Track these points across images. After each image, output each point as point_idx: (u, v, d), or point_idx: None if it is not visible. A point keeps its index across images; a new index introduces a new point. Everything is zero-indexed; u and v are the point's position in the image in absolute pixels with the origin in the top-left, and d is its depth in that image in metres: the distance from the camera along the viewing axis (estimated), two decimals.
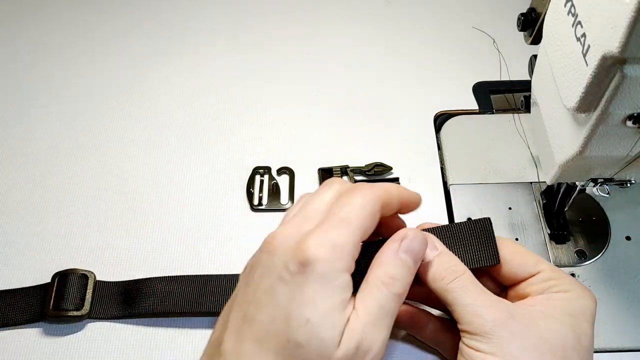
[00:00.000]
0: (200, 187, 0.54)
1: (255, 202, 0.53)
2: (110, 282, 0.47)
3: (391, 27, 0.68)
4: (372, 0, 0.71)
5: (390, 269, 0.34)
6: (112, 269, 0.48)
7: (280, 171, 0.55)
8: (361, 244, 0.34)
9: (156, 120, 0.59)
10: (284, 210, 0.52)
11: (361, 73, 0.63)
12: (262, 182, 0.54)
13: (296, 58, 0.65)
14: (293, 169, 0.55)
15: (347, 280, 0.32)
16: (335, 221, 0.34)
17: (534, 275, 0.37)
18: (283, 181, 0.54)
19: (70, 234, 0.51)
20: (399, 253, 0.34)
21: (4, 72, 0.63)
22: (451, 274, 0.35)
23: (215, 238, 0.50)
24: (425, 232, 0.37)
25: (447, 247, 0.38)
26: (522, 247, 0.39)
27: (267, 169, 0.55)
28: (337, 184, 0.37)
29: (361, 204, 0.34)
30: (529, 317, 0.34)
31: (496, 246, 0.38)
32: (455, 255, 0.37)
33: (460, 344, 0.35)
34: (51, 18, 0.69)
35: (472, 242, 0.38)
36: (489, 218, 0.38)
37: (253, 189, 0.53)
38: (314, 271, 0.32)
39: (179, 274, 0.47)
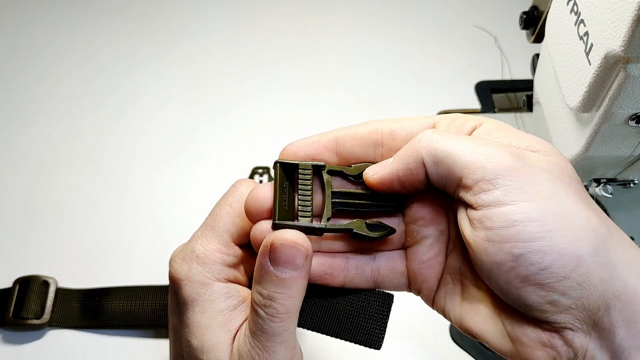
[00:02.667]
0: (199, 188, 0.54)
1: None
2: (73, 289, 0.46)
3: (393, 26, 0.67)
4: (373, 0, 0.70)
5: (264, 288, 0.28)
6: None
7: None
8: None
9: (153, 121, 0.59)
10: None
11: (362, 72, 0.63)
12: (261, 182, 0.54)
13: (296, 58, 0.64)
14: None
15: (221, 289, 0.30)
16: (201, 231, 0.32)
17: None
18: None
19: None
20: (269, 268, 0.28)
21: None
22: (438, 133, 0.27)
23: None
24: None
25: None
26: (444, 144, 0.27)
27: (266, 169, 0.54)
28: (242, 186, 0.32)
29: (230, 203, 0.31)
30: (532, 153, 0.27)
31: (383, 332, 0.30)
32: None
33: (477, 226, 0.25)
34: (51, 21, 0.69)
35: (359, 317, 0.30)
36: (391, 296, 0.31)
37: None
38: (182, 290, 0.30)
39: (152, 283, 0.47)
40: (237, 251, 0.32)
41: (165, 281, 0.47)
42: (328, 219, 0.29)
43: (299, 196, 0.29)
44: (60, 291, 0.46)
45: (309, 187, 0.29)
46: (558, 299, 0.24)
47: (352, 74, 0.63)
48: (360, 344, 0.30)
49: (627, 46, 0.29)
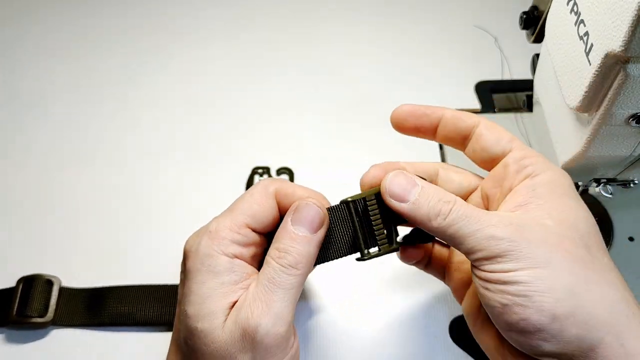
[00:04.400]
0: (199, 188, 0.54)
1: None
2: (76, 288, 0.46)
3: (392, 27, 0.67)
4: (373, 0, 0.70)
5: (280, 243, 0.32)
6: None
7: (280, 171, 0.54)
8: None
9: (154, 120, 0.59)
10: None
11: (362, 72, 0.63)
12: None
13: (296, 58, 0.64)
14: (292, 169, 0.54)
15: (225, 263, 0.32)
16: (222, 213, 0.34)
17: (507, 153, 0.35)
18: None
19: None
20: (288, 226, 0.33)
21: None
22: (445, 206, 0.32)
23: None
24: (397, 170, 0.34)
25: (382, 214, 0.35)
26: (496, 124, 0.37)
27: (266, 169, 0.54)
28: (267, 181, 0.36)
29: (250, 193, 0.34)
30: (533, 218, 0.31)
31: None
32: (390, 221, 0.35)
33: (478, 277, 0.31)
34: (51, 22, 0.69)
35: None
36: None
37: None
38: (189, 260, 0.33)
39: (156, 282, 0.47)
40: (249, 233, 0.34)
41: (169, 280, 0.47)
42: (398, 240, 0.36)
43: (375, 225, 0.35)
44: (63, 290, 0.46)
45: (378, 215, 0.35)
46: (538, 344, 0.29)
47: (352, 74, 0.63)
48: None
49: (627, 46, 0.29)
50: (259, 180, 0.37)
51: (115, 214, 0.52)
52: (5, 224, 0.51)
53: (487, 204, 0.36)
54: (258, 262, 0.35)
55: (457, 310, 0.46)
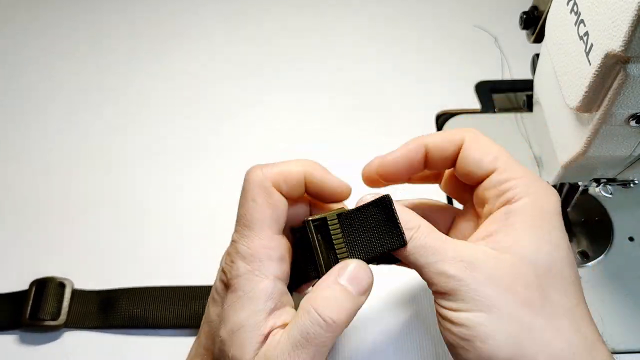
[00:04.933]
0: (198, 189, 0.54)
1: None
2: (88, 291, 0.47)
3: (392, 26, 0.67)
4: (372, 0, 0.70)
5: (325, 292, 0.31)
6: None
7: None
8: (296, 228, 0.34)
9: (151, 121, 0.59)
10: None
11: (362, 73, 0.63)
12: None
13: (296, 58, 0.64)
14: None
15: (266, 288, 0.31)
16: (239, 228, 0.33)
17: (490, 174, 0.33)
18: None
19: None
20: (337, 279, 0.31)
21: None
22: (406, 232, 0.32)
23: (212, 241, 0.50)
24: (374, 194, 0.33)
25: (345, 235, 0.33)
26: (484, 139, 0.34)
27: None
28: (252, 175, 0.35)
29: (252, 198, 0.33)
30: (491, 252, 0.30)
31: (399, 227, 0.33)
32: (354, 243, 0.33)
33: (436, 310, 0.32)
34: (52, 22, 0.69)
35: (373, 226, 0.33)
36: (387, 195, 0.33)
37: None
38: (230, 288, 0.32)
39: (168, 284, 0.47)
40: (280, 240, 0.33)
41: (181, 282, 0.47)
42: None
43: (336, 245, 0.33)
44: (76, 292, 0.46)
45: (340, 236, 0.33)
46: None
47: (351, 74, 0.63)
48: (389, 250, 0.33)
49: (627, 46, 0.29)
50: (245, 175, 0.35)
51: (116, 216, 0.52)
52: (16, 226, 0.51)
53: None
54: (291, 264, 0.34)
55: None
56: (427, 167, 0.36)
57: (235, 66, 0.64)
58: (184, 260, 0.49)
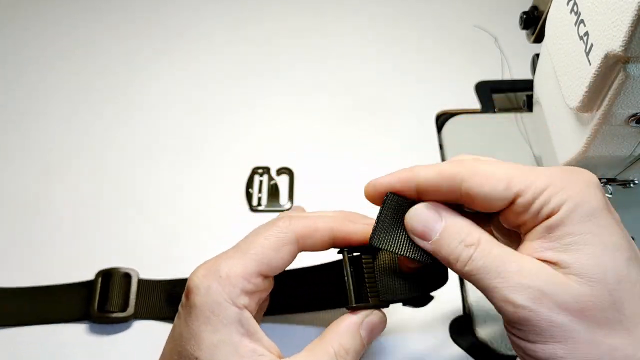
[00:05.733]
0: (198, 188, 0.54)
1: (255, 202, 0.52)
2: (154, 280, 0.46)
3: (392, 27, 0.67)
4: (372, 1, 0.70)
5: (347, 341, 0.32)
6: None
7: (280, 171, 0.54)
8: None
9: (152, 120, 0.59)
10: (283, 210, 0.52)
11: (362, 72, 0.63)
12: (261, 182, 0.54)
13: (296, 58, 0.64)
14: (292, 170, 0.54)
15: (234, 315, 0.31)
16: (231, 251, 0.33)
17: (510, 200, 0.29)
18: (282, 182, 0.54)
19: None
20: (360, 329, 0.33)
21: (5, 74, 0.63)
22: (465, 252, 0.29)
23: (213, 239, 0.50)
24: (427, 204, 0.31)
25: (378, 274, 0.34)
26: (484, 166, 0.30)
27: (266, 169, 0.54)
28: (281, 221, 0.34)
29: (265, 236, 0.33)
30: (559, 278, 0.28)
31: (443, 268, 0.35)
32: (386, 285, 0.34)
33: (506, 332, 0.30)
34: (52, 21, 0.69)
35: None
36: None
37: (252, 189, 0.53)
38: (196, 303, 0.31)
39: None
40: (259, 282, 0.32)
41: None
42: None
43: (367, 280, 0.35)
44: (142, 282, 0.46)
45: (372, 271, 0.35)
46: None
47: (351, 74, 0.63)
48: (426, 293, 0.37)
49: (627, 46, 0.29)
50: (279, 215, 0.35)
51: (121, 209, 0.52)
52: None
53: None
54: (258, 303, 0.34)
55: (457, 310, 0.46)
56: (422, 199, 0.33)
57: (235, 66, 0.64)
58: (200, 250, 0.49)
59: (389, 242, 0.32)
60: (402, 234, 0.32)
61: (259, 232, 0.34)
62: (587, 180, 0.29)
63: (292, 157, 0.55)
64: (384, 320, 0.35)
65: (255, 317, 0.33)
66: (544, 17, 0.42)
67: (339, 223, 0.34)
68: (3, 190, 0.54)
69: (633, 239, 0.48)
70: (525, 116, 0.57)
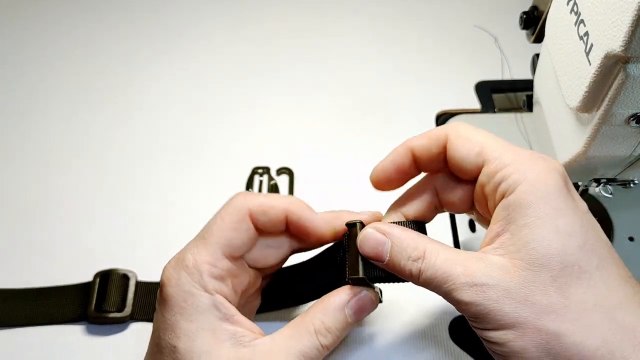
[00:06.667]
0: (198, 188, 0.54)
1: None
2: (152, 282, 0.47)
3: (392, 26, 0.67)
4: (372, 1, 0.70)
5: (329, 319, 0.32)
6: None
7: (280, 171, 0.54)
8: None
9: (152, 120, 0.59)
10: None
11: (362, 72, 0.63)
12: (261, 182, 0.54)
13: (296, 58, 0.64)
14: (292, 169, 0.54)
15: (207, 301, 0.31)
16: (195, 239, 0.33)
17: (481, 168, 0.32)
18: (282, 181, 0.54)
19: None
20: (345, 307, 0.33)
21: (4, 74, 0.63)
22: (414, 266, 0.31)
23: None
24: (373, 226, 0.33)
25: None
26: (467, 131, 0.33)
27: (266, 169, 0.54)
28: (237, 198, 0.35)
29: (221, 216, 0.33)
30: (504, 267, 0.29)
31: None
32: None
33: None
34: (53, 22, 0.69)
35: None
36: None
37: (252, 189, 0.53)
38: (168, 294, 0.32)
39: None
40: (226, 264, 0.33)
41: None
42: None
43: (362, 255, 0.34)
44: (140, 284, 0.46)
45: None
46: None
47: (351, 74, 0.63)
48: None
49: (627, 46, 0.29)
50: (232, 196, 0.36)
51: (124, 210, 0.52)
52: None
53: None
54: (237, 291, 0.34)
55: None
56: (421, 170, 0.36)
57: (235, 66, 0.64)
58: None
59: (362, 271, 0.34)
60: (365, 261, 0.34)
61: (217, 214, 0.34)
62: (551, 166, 0.30)
63: (292, 157, 0.55)
64: (373, 300, 0.34)
65: (246, 315, 0.33)
66: (544, 17, 0.42)
67: (296, 206, 0.35)
68: (2, 191, 0.54)
69: (632, 239, 0.49)
70: (525, 116, 0.57)
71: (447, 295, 0.30)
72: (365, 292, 0.34)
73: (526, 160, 0.30)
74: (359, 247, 0.33)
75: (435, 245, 0.31)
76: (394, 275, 0.33)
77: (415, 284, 0.32)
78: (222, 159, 0.56)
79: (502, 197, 0.30)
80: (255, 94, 0.61)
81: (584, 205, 0.31)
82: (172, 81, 0.62)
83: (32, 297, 0.46)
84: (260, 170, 0.54)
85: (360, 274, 0.34)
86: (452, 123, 0.34)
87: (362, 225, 0.35)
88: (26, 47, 0.66)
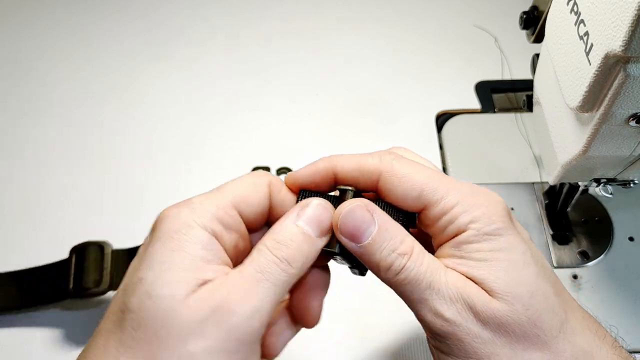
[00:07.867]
0: (199, 188, 0.54)
1: None
2: (127, 249, 0.46)
3: (392, 27, 0.67)
4: (372, 1, 0.70)
5: (280, 234, 0.28)
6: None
7: (280, 171, 0.54)
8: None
9: (154, 119, 0.59)
10: None
11: (362, 72, 0.63)
12: None
13: (296, 58, 0.64)
14: (292, 169, 0.54)
15: (202, 237, 0.27)
16: (207, 193, 0.30)
17: (421, 210, 0.30)
18: None
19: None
20: (293, 218, 0.29)
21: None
22: (398, 261, 0.28)
23: None
24: (361, 203, 0.29)
25: None
26: (403, 168, 0.30)
27: (266, 169, 0.54)
28: (260, 171, 0.32)
29: (242, 178, 0.30)
30: (483, 294, 0.28)
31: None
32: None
33: (429, 345, 0.30)
34: (53, 22, 0.69)
35: None
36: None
37: None
38: (161, 228, 0.27)
39: None
40: (236, 216, 0.29)
41: None
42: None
43: None
44: (115, 252, 0.46)
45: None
46: None
47: (352, 75, 0.63)
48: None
49: (627, 46, 0.29)
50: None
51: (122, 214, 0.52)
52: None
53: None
54: (237, 256, 0.30)
55: None
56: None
57: (235, 66, 0.64)
58: None
59: None
60: None
61: (235, 178, 0.31)
62: (494, 201, 0.30)
63: (292, 157, 0.55)
64: (327, 207, 0.30)
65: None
66: (544, 17, 0.42)
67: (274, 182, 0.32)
68: (2, 191, 0.54)
69: (632, 239, 0.49)
70: (525, 116, 0.57)
71: (423, 302, 0.28)
72: (315, 202, 0.30)
73: (470, 200, 0.29)
74: (338, 218, 0.29)
75: (420, 245, 0.29)
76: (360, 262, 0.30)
77: (385, 280, 0.29)
78: (222, 159, 0.56)
79: (452, 237, 0.29)
80: (256, 94, 0.61)
81: (526, 234, 0.31)
82: (172, 81, 0.62)
83: (12, 281, 0.46)
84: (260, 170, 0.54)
85: (336, 249, 0.30)
86: (384, 155, 0.31)
87: (356, 194, 0.31)
88: (26, 47, 0.66)
